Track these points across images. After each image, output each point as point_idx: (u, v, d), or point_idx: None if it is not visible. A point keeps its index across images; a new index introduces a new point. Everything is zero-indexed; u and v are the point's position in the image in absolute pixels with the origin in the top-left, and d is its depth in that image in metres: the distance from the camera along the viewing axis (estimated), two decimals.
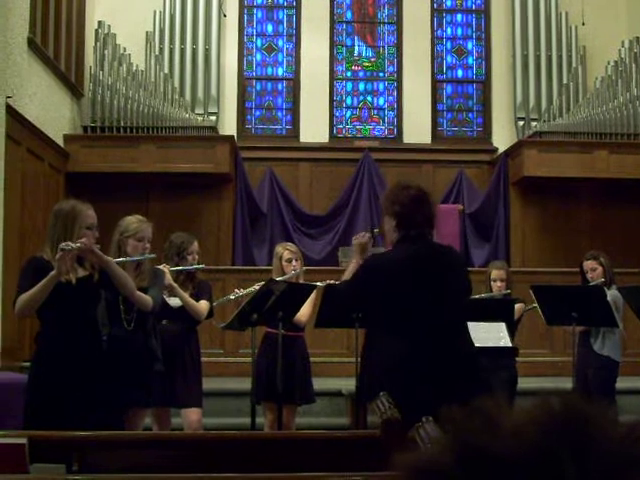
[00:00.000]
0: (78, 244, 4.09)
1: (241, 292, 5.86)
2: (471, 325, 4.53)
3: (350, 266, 4.34)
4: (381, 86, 11.37)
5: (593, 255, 6.33)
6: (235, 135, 10.65)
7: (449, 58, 11.43)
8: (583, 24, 10.47)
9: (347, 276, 4.20)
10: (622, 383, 6.20)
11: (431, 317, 3.71)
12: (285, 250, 5.88)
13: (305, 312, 5.65)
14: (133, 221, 4.90)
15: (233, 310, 5.68)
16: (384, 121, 11.31)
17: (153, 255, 4.92)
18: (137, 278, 4.71)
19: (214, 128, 10.41)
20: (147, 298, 4.64)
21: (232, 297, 5.89)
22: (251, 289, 5.73)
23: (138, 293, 4.57)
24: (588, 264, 6.26)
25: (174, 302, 5.24)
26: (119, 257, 4.67)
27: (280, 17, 11.36)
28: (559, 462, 0.66)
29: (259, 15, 11.36)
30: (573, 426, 0.67)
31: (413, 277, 3.76)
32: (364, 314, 5.23)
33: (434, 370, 3.63)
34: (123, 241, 4.82)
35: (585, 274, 6.27)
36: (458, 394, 3.50)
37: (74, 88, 9.94)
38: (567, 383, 5.98)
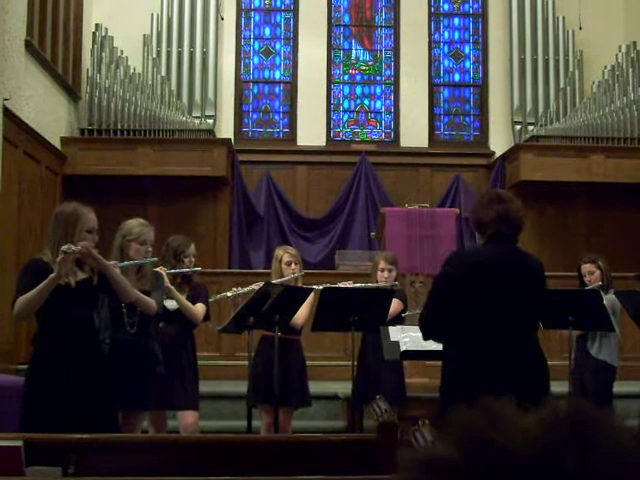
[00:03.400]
0: (79, 247, 4.07)
1: (239, 290, 5.86)
2: None
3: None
4: (378, 90, 11.37)
5: (591, 258, 6.26)
6: (232, 138, 10.65)
7: (446, 62, 11.44)
8: (580, 28, 10.49)
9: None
10: (618, 387, 6.18)
11: (504, 320, 3.72)
12: (285, 253, 5.88)
13: (302, 315, 5.64)
14: (135, 224, 4.88)
15: (230, 313, 5.67)
16: (381, 125, 11.31)
17: (155, 259, 4.92)
18: (139, 282, 4.71)
19: (211, 131, 10.41)
20: (151, 301, 4.63)
21: (229, 294, 5.89)
22: (249, 288, 5.73)
23: (142, 296, 4.56)
24: (586, 267, 6.20)
25: (170, 305, 5.24)
26: (121, 261, 4.67)
27: (278, 20, 11.37)
28: (563, 458, 0.66)
29: (257, 18, 11.36)
30: (579, 427, 0.68)
31: (490, 278, 3.78)
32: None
33: (504, 373, 3.63)
34: (125, 244, 4.81)
35: (583, 277, 6.21)
36: (524, 399, 3.46)
37: (71, 91, 9.94)
38: (562, 387, 5.95)
